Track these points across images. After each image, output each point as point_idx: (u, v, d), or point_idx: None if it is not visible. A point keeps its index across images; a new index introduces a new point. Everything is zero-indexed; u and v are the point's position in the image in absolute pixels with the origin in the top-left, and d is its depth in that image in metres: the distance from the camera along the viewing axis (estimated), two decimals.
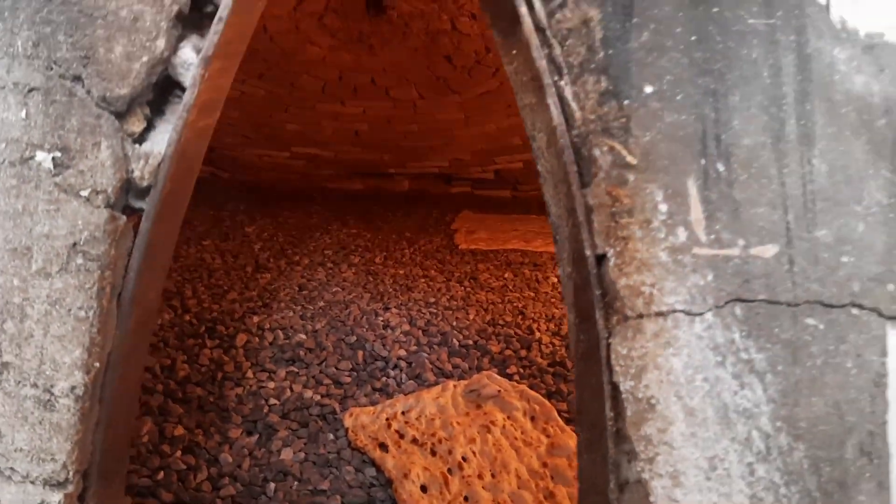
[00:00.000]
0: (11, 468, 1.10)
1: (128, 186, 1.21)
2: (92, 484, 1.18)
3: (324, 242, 5.44)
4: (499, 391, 3.21)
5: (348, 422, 3.07)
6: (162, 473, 2.66)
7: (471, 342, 3.81)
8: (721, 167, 1.30)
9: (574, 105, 1.34)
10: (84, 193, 1.15)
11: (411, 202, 7.15)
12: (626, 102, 1.31)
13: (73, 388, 1.12)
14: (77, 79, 1.18)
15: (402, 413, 3.11)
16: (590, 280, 1.33)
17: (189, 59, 1.27)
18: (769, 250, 1.29)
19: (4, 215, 1.13)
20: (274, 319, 3.88)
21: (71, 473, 1.12)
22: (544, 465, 2.86)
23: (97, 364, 1.14)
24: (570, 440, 2.94)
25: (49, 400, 1.11)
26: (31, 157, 1.15)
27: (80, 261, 1.14)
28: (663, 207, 1.29)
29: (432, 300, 4.35)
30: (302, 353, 3.56)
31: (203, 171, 7.19)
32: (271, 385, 3.28)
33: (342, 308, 4.11)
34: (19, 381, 1.11)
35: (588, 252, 1.33)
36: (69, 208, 1.15)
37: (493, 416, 3.08)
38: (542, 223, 6.07)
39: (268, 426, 3.03)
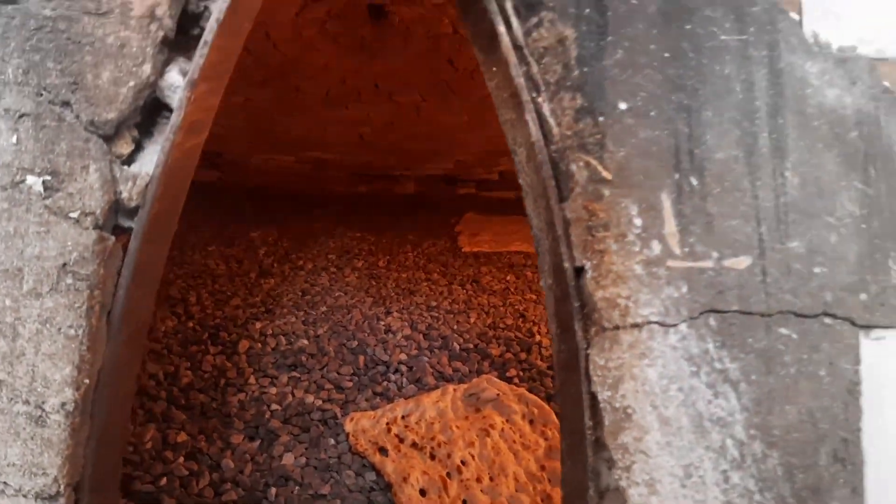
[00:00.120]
0: (4, 482, 1.15)
1: (116, 207, 1.25)
2: (84, 496, 1.22)
3: (328, 247, 5.49)
4: (497, 395, 3.24)
5: (349, 426, 3.12)
6: (165, 479, 2.71)
7: (471, 346, 3.84)
8: (694, 181, 1.33)
9: (552, 121, 1.37)
10: (73, 215, 1.20)
11: (416, 204, 7.18)
12: (601, 119, 1.34)
13: (63, 404, 1.17)
14: (66, 104, 1.22)
15: (402, 417, 3.14)
16: (569, 292, 1.36)
17: (175, 82, 1.31)
18: (742, 262, 1.32)
19: None
20: (276, 325, 3.92)
21: (62, 487, 1.16)
22: (542, 468, 2.89)
23: (87, 381, 1.18)
24: None
25: (40, 416, 1.16)
26: (22, 181, 1.19)
27: (69, 281, 1.19)
28: (638, 221, 1.32)
29: (434, 304, 4.38)
30: (304, 358, 3.60)
31: (209, 176, 7.19)
32: (273, 391, 3.33)
33: (344, 313, 4.15)
34: (11, 398, 1.16)
35: (567, 264, 1.37)
36: (59, 230, 1.19)
37: (491, 419, 3.12)
38: None
39: (270, 431, 3.07)
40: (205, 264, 4.77)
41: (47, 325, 1.18)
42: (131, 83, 1.24)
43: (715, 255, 1.32)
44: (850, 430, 1.31)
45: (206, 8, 1.36)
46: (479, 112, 7.06)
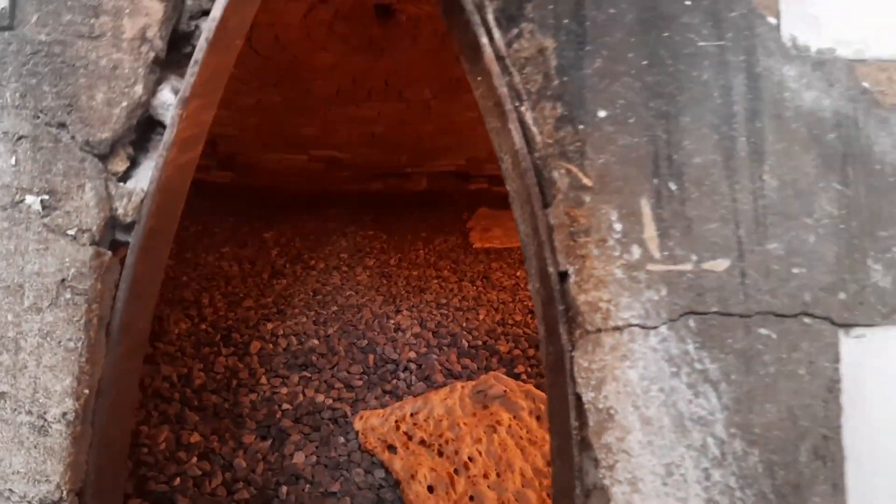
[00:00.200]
0: (10, 490, 1.20)
1: (113, 223, 1.30)
2: (88, 502, 1.28)
3: (340, 246, 5.54)
4: (505, 391, 3.28)
5: (358, 425, 3.17)
6: (178, 479, 2.77)
7: (480, 342, 3.88)
8: (673, 186, 1.36)
9: (534, 129, 1.40)
10: (71, 232, 1.25)
11: (428, 201, 7.21)
12: (580, 127, 1.37)
13: (64, 413, 1.23)
14: (62, 125, 1.28)
15: (411, 415, 3.19)
16: (553, 296, 1.40)
17: (168, 100, 1.36)
18: (721, 264, 1.35)
19: None
20: (288, 325, 3.98)
21: (65, 493, 1.22)
22: (549, 463, 2.93)
23: (87, 391, 1.24)
24: None
25: (43, 426, 1.21)
26: (21, 201, 1.25)
27: (68, 295, 1.24)
28: (618, 226, 1.35)
29: (444, 301, 4.43)
30: (314, 358, 3.66)
31: (223, 177, 7.26)
32: (284, 390, 3.39)
33: (355, 312, 4.21)
34: (15, 409, 1.22)
35: (551, 269, 1.40)
36: (57, 247, 1.25)
37: (499, 416, 3.16)
38: None
39: (281, 431, 3.13)
40: (218, 266, 4.85)
41: (48, 339, 1.23)
42: (124, 103, 1.29)
43: (694, 258, 1.35)
44: (830, 428, 1.34)
45: (197, 27, 1.41)
46: None
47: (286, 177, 7.68)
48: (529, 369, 3.62)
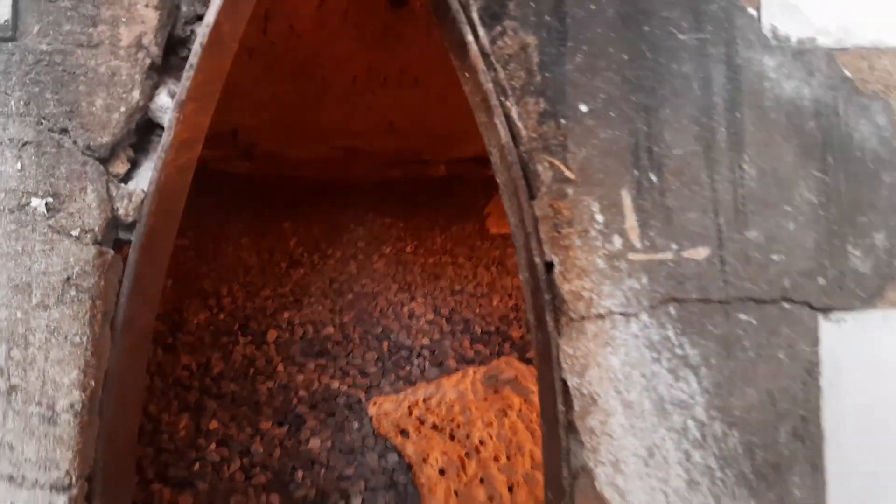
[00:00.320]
0: (23, 476, 1.28)
1: (115, 223, 1.37)
2: (97, 487, 1.36)
3: (357, 234, 5.60)
4: (516, 376, 3.33)
5: (372, 410, 3.24)
6: (198, 465, 2.87)
7: (493, 328, 3.94)
8: (654, 177, 1.40)
9: (519, 124, 1.44)
10: (74, 233, 1.32)
11: (447, 187, 7.23)
12: (562, 121, 1.41)
13: (72, 404, 1.30)
14: (64, 131, 1.34)
15: (424, 400, 3.26)
16: (540, 285, 1.45)
17: (165, 103, 1.42)
18: (701, 252, 1.39)
19: (6, 256, 1.31)
20: (304, 314, 4.06)
21: (74, 479, 1.30)
22: None
23: (93, 383, 1.31)
24: None
25: (52, 416, 1.29)
26: (27, 204, 1.32)
27: (73, 293, 1.31)
28: (600, 218, 1.39)
29: (458, 288, 4.48)
30: (330, 345, 3.73)
31: (242, 168, 7.33)
32: (300, 378, 3.47)
33: (370, 300, 4.28)
34: (25, 401, 1.29)
35: (538, 259, 1.45)
36: (62, 247, 1.32)
37: (510, 400, 3.21)
38: None
39: (297, 417, 3.22)
40: (237, 256, 4.93)
41: (55, 334, 1.30)
42: (122, 108, 1.36)
43: (674, 246, 1.39)
44: (809, 409, 1.38)
45: (192, 32, 1.47)
46: None
47: (305, 166, 7.74)
48: None
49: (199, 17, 1.46)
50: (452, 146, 7.69)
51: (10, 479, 1.29)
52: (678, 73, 1.43)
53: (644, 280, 1.38)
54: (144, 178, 1.40)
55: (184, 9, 1.45)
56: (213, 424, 3.10)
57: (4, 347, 1.30)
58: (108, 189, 1.34)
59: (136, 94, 1.36)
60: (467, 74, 1.56)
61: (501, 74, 1.45)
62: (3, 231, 1.31)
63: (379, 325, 3.95)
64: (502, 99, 1.46)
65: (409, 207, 6.40)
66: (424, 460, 2.91)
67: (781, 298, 1.39)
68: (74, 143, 1.34)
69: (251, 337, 3.77)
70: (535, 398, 3.25)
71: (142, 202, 1.38)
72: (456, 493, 2.79)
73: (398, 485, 2.89)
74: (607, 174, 1.40)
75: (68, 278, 1.31)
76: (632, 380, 1.37)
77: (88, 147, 1.34)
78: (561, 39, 1.43)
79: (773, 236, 1.40)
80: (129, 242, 1.41)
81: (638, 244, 1.39)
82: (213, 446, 2.97)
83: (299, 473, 2.91)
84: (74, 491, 1.30)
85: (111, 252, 1.35)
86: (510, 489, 2.76)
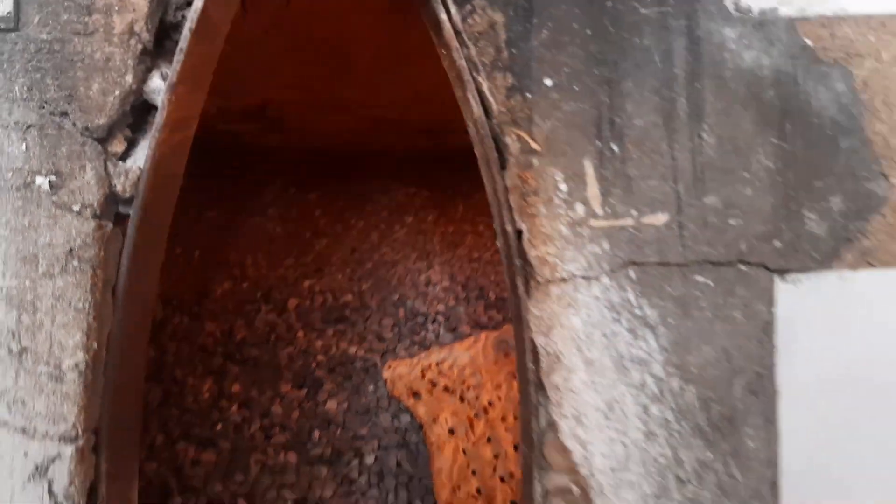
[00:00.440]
0: (34, 428, 1.43)
1: (114, 199, 1.48)
2: (103, 439, 1.50)
3: (381, 203, 5.69)
4: None
5: (387, 373, 3.37)
6: (220, 425, 3.03)
7: (507, 294, 4.02)
8: (615, 147, 1.47)
9: (490, 99, 1.52)
10: (75, 208, 1.44)
11: (472, 156, 7.24)
12: (528, 95, 1.49)
13: (76, 364, 1.43)
14: (64, 114, 1.46)
15: (437, 364, 3.37)
16: (511, 252, 1.54)
17: (158, 86, 1.53)
18: (660, 218, 1.46)
19: (14, 230, 1.44)
20: (324, 283, 4.18)
21: (80, 431, 1.44)
22: None
23: (95, 345, 1.45)
24: None
25: (59, 374, 1.43)
26: (32, 182, 1.44)
27: (75, 263, 1.44)
28: (563, 187, 1.47)
29: (476, 255, 4.56)
30: (348, 312, 3.86)
31: (271, 140, 7.44)
32: (319, 343, 3.60)
33: (389, 268, 4.39)
34: (35, 361, 1.43)
35: (509, 227, 1.53)
36: (64, 221, 1.44)
37: None
38: None
39: (315, 380, 3.36)
40: (263, 228, 5.07)
41: (60, 301, 1.44)
42: (117, 92, 1.47)
43: (634, 213, 1.46)
44: (763, 366, 1.45)
45: (183, 17, 1.56)
46: None
47: (334, 137, 7.83)
48: None
49: (189, 3, 1.55)
50: None
51: (24, 430, 1.43)
52: (640, 47, 1.49)
53: (605, 245, 1.46)
54: (141, 157, 1.51)
55: None
56: (236, 387, 3.25)
57: (15, 313, 1.44)
58: (105, 167, 1.46)
59: (129, 78, 1.47)
60: (444, 51, 1.64)
61: (473, 51, 1.53)
62: (12, 207, 1.44)
63: (396, 293, 4.06)
64: (474, 74, 1.53)
65: (433, 176, 6.45)
66: (435, 420, 3.03)
67: (738, 261, 1.46)
68: (74, 124, 1.46)
69: (273, 305, 3.91)
70: None
71: (138, 178, 1.49)
72: (464, 452, 2.91)
73: (410, 444, 3.03)
74: (571, 145, 1.47)
75: (71, 250, 1.43)
76: (593, 339, 1.45)
77: (87, 128, 1.46)
78: (527, 16, 1.50)
79: (731, 202, 1.46)
80: (127, 216, 1.52)
81: (600, 211, 1.46)
82: (234, 408, 3.13)
83: (316, 433, 3.05)
84: (81, 442, 1.44)
85: (110, 225, 1.47)
86: (515, 448, 2.87)
